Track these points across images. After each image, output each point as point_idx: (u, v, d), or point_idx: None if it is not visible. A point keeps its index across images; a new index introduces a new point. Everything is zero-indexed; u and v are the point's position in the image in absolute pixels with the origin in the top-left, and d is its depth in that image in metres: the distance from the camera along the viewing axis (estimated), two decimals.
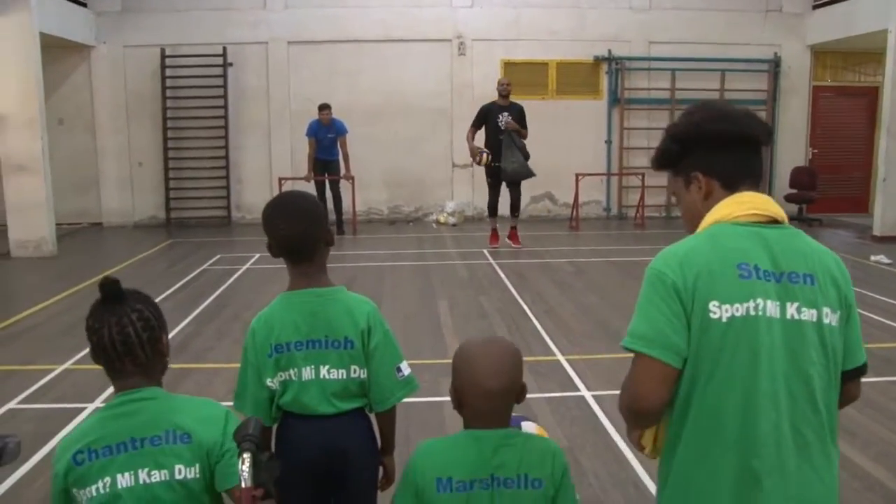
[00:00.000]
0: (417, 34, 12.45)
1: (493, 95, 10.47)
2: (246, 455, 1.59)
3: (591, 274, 8.37)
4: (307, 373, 2.07)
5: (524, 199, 12.43)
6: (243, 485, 1.55)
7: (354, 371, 2.09)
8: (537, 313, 6.53)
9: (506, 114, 9.50)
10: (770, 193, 13.11)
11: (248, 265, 9.01)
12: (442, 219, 12.53)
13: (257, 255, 9.58)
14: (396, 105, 12.54)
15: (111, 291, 1.75)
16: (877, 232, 10.53)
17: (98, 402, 4.49)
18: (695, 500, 1.57)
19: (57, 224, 10.05)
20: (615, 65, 12.77)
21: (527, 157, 9.54)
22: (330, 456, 2.06)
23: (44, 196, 9.62)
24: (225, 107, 12.24)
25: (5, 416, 4.40)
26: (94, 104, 12.29)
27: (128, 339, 1.72)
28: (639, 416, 1.60)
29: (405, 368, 2.14)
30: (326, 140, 11.09)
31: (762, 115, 12.84)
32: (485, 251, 9.76)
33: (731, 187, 1.65)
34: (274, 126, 12.54)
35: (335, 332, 2.08)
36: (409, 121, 12.59)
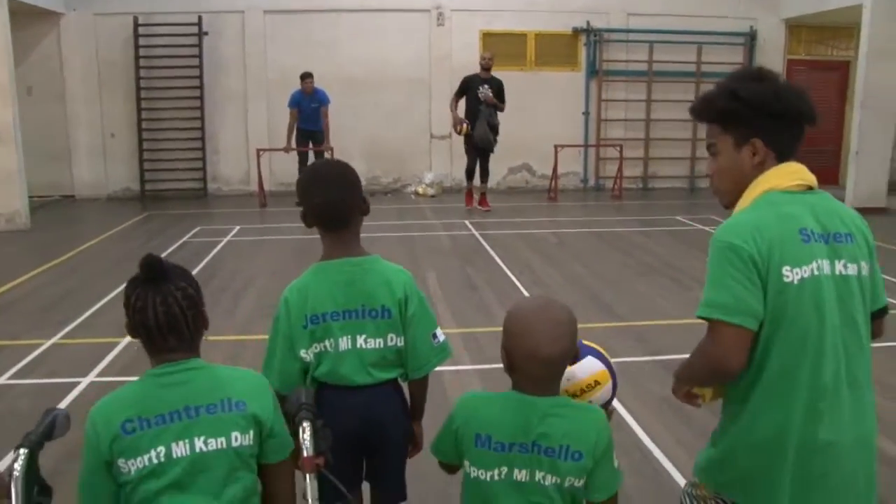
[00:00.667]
0: (396, 4, 12.31)
1: (471, 66, 10.93)
2: (306, 424, 1.60)
3: (574, 244, 8.43)
4: (344, 343, 2.07)
5: (502, 171, 12.62)
6: (305, 453, 1.56)
7: (391, 339, 2.10)
8: (526, 284, 6.58)
9: (486, 86, 10.18)
10: None
11: (229, 237, 8.93)
12: (421, 190, 12.51)
13: (237, 227, 9.50)
14: (374, 76, 12.43)
15: (154, 270, 1.71)
16: (848, 203, 10.71)
17: (92, 377, 4.45)
18: (769, 431, 1.71)
19: (28, 197, 9.84)
20: (593, 36, 12.77)
21: (496, 132, 10.38)
22: (366, 426, 2.08)
23: (16, 167, 9.41)
24: (200, 77, 12.01)
25: None
26: (65, 73, 11.99)
27: (173, 318, 1.70)
28: (723, 377, 1.74)
29: (440, 335, 2.16)
30: (309, 110, 10.99)
31: None
32: (466, 222, 9.79)
33: (783, 159, 1.77)
34: (251, 97, 12.36)
35: (372, 301, 2.08)
36: (387, 92, 12.49)
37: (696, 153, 13.20)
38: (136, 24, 11.81)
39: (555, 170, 11.94)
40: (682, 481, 3.25)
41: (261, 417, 1.73)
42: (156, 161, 12.23)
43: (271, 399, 1.77)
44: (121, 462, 1.65)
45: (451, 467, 1.96)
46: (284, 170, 12.16)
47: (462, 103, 10.35)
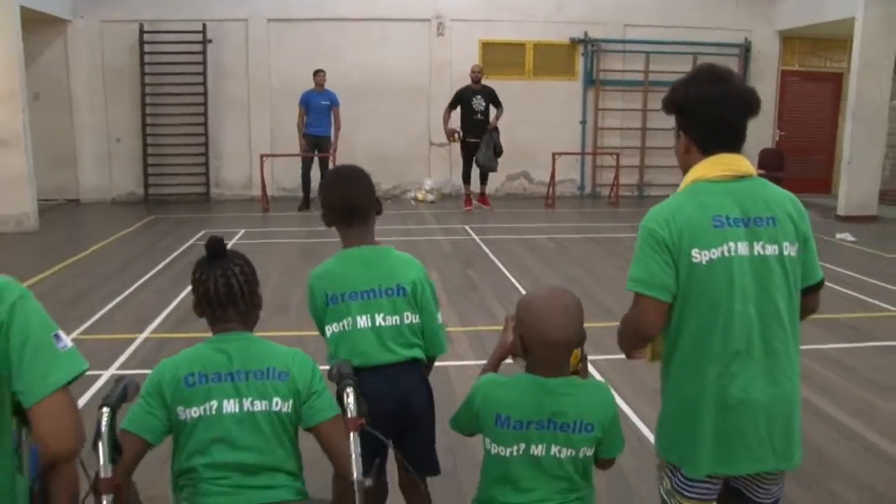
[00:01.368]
0: (397, 13, 12.53)
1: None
2: (349, 390, 1.83)
3: (572, 249, 8.64)
4: (362, 321, 2.29)
5: (500, 177, 12.86)
6: (349, 415, 1.78)
7: (407, 317, 2.32)
8: (526, 286, 6.77)
9: (479, 97, 10.90)
10: None
11: (234, 240, 9.11)
12: (420, 196, 12.71)
13: (242, 231, 9.68)
14: (376, 84, 12.64)
15: (216, 248, 1.99)
16: (841, 212, 10.97)
17: (112, 370, 4.63)
18: (689, 393, 1.99)
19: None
20: (591, 47, 13.02)
21: (499, 153, 11.03)
22: (395, 404, 2.26)
23: (26, 171, 9.58)
24: (204, 84, 12.21)
25: None
26: (71, 79, 12.16)
27: (231, 290, 1.96)
28: (643, 339, 2.06)
29: (440, 317, 2.42)
30: (320, 107, 11.30)
31: None
32: (467, 227, 10.00)
33: (707, 152, 2.01)
34: (254, 104, 12.56)
35: (387, 280, 2.31)
36: (387, 99, 12.70)
37: None
38: (142, 32, 12.01)
39: (552, 177, 12.16)
40: None
41: (301, 387, 1.95)
42: (160, 166, 12.41)
43: (311, 372, 1.99)
44: (179, 409, 1.90)
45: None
46: (286, 175, 12.38)
47: (455, 114, 11.07)
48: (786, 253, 1.96)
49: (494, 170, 11.20)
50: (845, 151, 11.06)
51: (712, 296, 1.92)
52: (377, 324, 2.29)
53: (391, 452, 2.24)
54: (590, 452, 2.00)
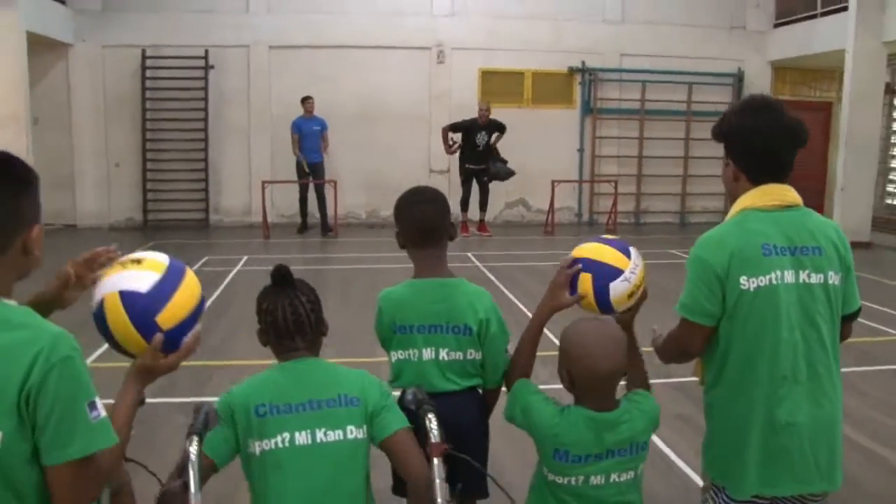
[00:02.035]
0: (398, 41, 12.68)
1: (470, 103, 11.80)
2: (431, 416, 1.84)
3: None
4: (427, 353, 2.31)
5: (499, 205, 12.96)
6: (433, 440, 1.80)
7: (470, 354, 2.33)
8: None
9: (484, 132, 11.26)
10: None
11: (238, 267, 9.11)
12: None
13: (245, 257, 9.68)
14: (376, 111, 12.75)
15: (283, 277, 1.98)
16: None
17: None
18: (735, 416, 2.06)
19: None
20: (588, 76, 13.21)
21: (505, 162, 11.34)
22: (448, 431, 2.29)
23: None
24: (205, 109, 12.27)
25: None
26: (72, 104, 12.18)
27: (299, 319, 1.96)
28: (685, 357, 2.18)
29: (511, 349, 2.40)
30: (312, 132, 11.43)
31: None
32: (469, 255, 10.05)
33: (756, 181, 2.08)
34: (254, 130, 12.62)
35: (455, 318, 2.31)
36: (387, 127, 12.80)
37: (687, 189, 13.61)
38: (144, 57, 12.07)
39: (552, 204, 12.26)
40: (700, 482, 3.54)
41: (373, 409, 1.95)
42: (159, 192, 12.42)
43: (379, 391, 1.99)
44: (250, 441, 1.88)
45: None
46: (285, 202, 12.41)
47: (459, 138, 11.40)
48: (830, 282, 2.03)
49: (512, 172, 11.36)
50: (839, 178, 11.24)
51: (759, 321, 1.99)
52: (440, 357, 2.31)
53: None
54: (644, 465, 2.07)
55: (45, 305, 1.91)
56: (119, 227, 12.54)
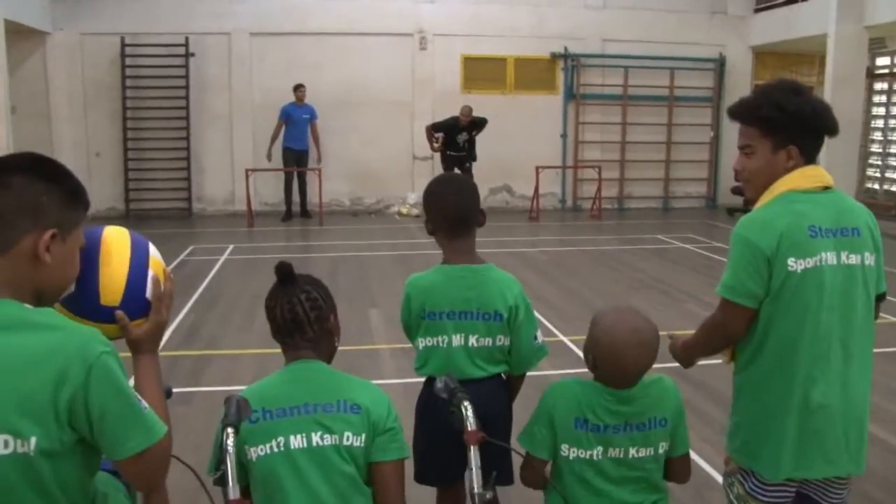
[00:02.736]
0: (380, 28, 12.58)
1: (452, 89, 11.98)
2: (466, 403, 1.85)
3: (564, 262, 8.75)
4: (457, 340, 2.33)
5: (483, 191, 12.67)
6: (469, 428, 1.81)
7: (499, 340, 2.35)
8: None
9: (465, 132, 11.29)
10: (715, 186, 13.87)
11: (225, 255, 9.05)
12: (404, 210, 12.74)
13: (231, 246, 9.62)
14: (358, 98, 12.66)
15: (284, 274, 1.94)
16: None
17: None
18: (772, 397, 2.05)
19: None
20: (571, 61, 13.21)
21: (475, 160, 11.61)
22: (479, 418, 2.29)
23: None
24: (186, 97, 12.11)
25: None
26: (50, 92, 11.95)
27: (297, 317, 1.90)
28: (727, 341, 2.14)
29: (539, 336, 2.42)
30: (301, 120, 11.41)
31: (708, 111, 13.60)
32: None
33: (810, 161, 2.08)
34: (236, 118, 12.49)
35: (486, 305, 2.32)
36: (370, 113, 12.72)
37: (670, 174, 13.69)
38: (123, 45, 11.88)
39: (536, 190, 12.29)
40: (708, 469, 3.61)
41: (376, 420, 1.87)
42: (141, 181, 12.27)
43: (387, 407, 1.91)
44: (245, 448, 1.83)
45: (536, 474, 2.15)
46: (267, 190, 12.34)
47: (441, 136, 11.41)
48: (866, 262, 2.05)
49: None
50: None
51: (803, 303, 1.98)
52: (470, 344, 2.32)
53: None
54: (666, 446, 2.08)
55: None
56: (101, 217, 12.33)
